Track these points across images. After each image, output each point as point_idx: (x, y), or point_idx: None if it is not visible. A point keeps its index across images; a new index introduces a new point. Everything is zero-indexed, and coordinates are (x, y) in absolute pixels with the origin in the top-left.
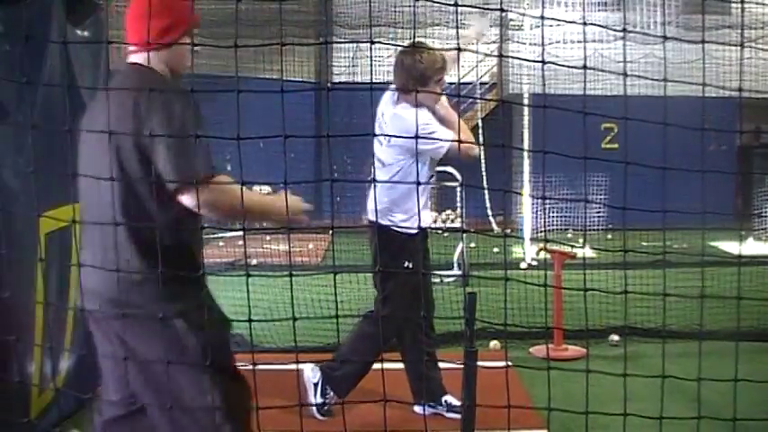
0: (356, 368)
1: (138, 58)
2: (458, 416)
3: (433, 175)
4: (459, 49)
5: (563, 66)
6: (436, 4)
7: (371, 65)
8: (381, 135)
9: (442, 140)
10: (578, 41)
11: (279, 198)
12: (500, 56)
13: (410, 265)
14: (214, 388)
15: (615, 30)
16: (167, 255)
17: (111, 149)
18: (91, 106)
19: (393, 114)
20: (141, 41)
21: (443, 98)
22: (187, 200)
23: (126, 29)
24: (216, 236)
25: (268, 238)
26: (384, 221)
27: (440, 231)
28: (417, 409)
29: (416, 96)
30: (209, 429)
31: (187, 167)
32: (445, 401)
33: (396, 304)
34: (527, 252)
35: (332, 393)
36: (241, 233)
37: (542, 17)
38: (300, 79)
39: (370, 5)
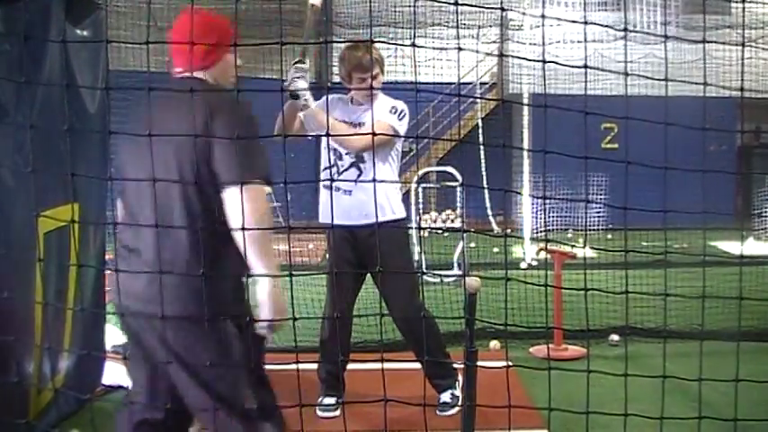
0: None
1: (190, 74)
2: (444, 412)
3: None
4: (459, 49)
5: (563, 65)
6: (436, 4)
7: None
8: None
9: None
10: (578, 41)
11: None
12: (500, 56)
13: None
14: (256, 391)
15: (615, 29)
16: (222, 259)
17: (180, 157)
18: (150, 113)
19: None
20: (185, 60)
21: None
22: (231, 197)
23: (172, 50)
24: None
25: None
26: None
27: (440, 231)
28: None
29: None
30: (254, 427)
31: (244, 166)
32: (439, 400)
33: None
34: (527, 252)
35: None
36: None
37: (542, 17)
38: None
39: (370, 5)
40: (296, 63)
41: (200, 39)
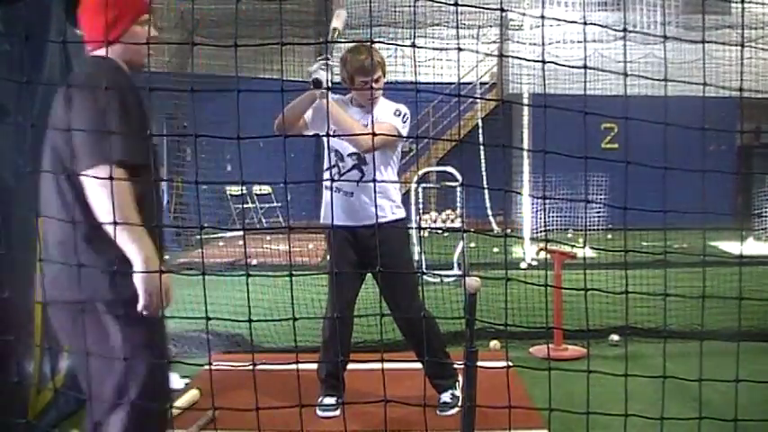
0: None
1: (97, 51)
2: (444, 412)
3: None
4: (458, 49)
5: (563, 66)
6: (436, 4)
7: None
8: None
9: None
10: (578, 41)
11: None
12: (500, 56)
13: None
14: (131, 379)
15: (615, 30)
16: (96, 246)
17: (52, 146)
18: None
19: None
20: (90, 37)
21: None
22: (86, 183)
23: (81, 27)
24: (216, 236)
25: (268, 238)
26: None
27: (440, 231)
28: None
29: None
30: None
31: (95, 151)
32: (439, 400)
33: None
34: (527, 252)
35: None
36: (241, 233)
37: (542, 17)
38: (300, 79)
39: (370, 5)
40: (322, 58)
41: (99, 12)
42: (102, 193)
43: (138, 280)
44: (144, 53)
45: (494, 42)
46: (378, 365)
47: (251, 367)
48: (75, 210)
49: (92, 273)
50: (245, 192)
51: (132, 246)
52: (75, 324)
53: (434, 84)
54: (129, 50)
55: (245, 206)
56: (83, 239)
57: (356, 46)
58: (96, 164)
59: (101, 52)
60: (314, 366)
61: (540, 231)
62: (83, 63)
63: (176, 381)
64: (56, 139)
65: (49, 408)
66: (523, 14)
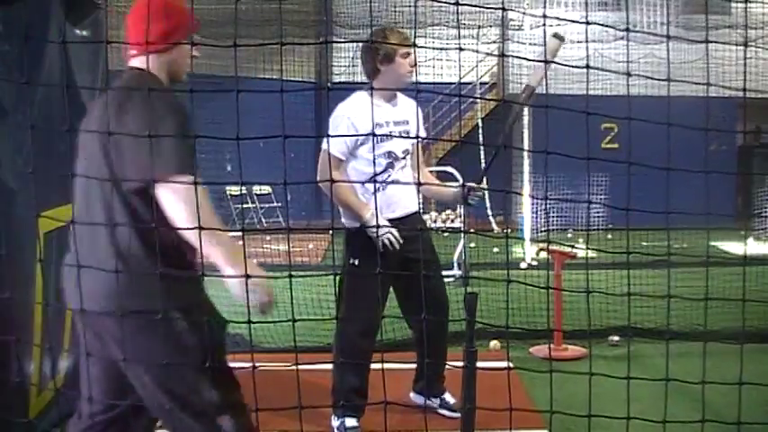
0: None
1: (137, 62)
2: (452, 413)
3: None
4: (459, 49)
5: (563, 66)
6: (436, 4)
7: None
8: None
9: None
10: (579, 41)
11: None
12: (500, 56)
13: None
14: (214, 387)
15: (616, 29)
16: (166, 253)
17: (103, 152)
18: (89, 110)
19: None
20: (140, 45)
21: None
22: (160, 196)
23: (127, 33)
24: None
25: (268, 238)
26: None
27: (440, 231)
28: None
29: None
30: (212, 426)
31: (159, 163)
32: (443, 399)
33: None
34: (527, 252)
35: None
36: (240, 233)
37: (543, 17)
38: (300, 79)
39: (370, 5)
40: None
41: (156, 20)
42: (184, 200)
43: (232, 284)
44: (186, 67)
45: (494, 42)
46: (378, 365)
47: (251, 367)
48: (130, 218)
49: (149, 282)
50: (244, 192)
51: (220, 250)
52: (143, 333)
53: (434, 84)
54: (173, 62)
55: (244, 206)
56: (145, 247)
57: (381, 29)
58: (180, 172)
59: (139, 62)
60: (314, 367)
61: (541, 231)
62: (123, 75)
63: None
64: (94, 147)
65: (50, 407)
66: (523, 14)
